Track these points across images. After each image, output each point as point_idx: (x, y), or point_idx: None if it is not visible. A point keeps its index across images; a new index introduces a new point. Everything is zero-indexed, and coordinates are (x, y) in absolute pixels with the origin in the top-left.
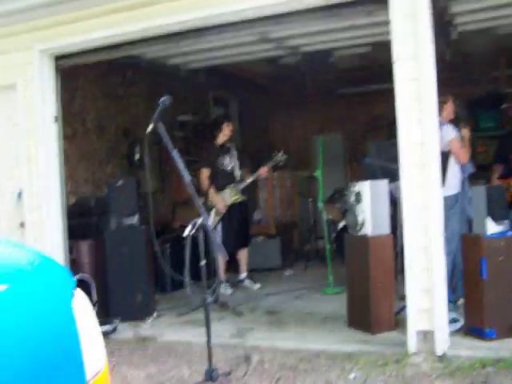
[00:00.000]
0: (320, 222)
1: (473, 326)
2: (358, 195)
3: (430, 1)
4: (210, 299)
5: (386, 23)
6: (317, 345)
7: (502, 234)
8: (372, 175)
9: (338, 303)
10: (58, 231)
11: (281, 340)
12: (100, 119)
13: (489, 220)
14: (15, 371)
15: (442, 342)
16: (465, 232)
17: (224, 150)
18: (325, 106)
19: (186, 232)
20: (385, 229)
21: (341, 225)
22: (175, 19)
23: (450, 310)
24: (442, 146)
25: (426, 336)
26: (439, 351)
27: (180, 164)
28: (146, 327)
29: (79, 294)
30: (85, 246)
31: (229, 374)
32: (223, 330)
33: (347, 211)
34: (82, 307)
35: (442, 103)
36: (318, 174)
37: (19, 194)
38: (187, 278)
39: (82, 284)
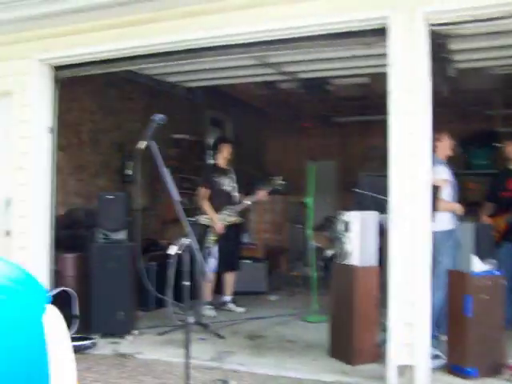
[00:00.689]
0: (309, 248)
1: (455, 364)
2: (347, 224)
3: (428, 36)
4: (191, 320)
5: (385, 55)
6: (296, 373)
7: (488, 272)
8: (362, 206)
9: (321, 332)
10: (45, 242)
11: (260, 366)
12: (95, 132)
13: (475, 258)
14: None
15: (423, 377)
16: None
17: (222, 171)
18: (321, 132)
19: (172, 250)
20: (372, 260)
21: (329, 253)
22: (172, 39)
23: (433, 345)
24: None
25: (407, 371)
26: None
27: (169, 183)
28: (126, 344)
29: (52, 309)
30: (70, 259)
31: None
32: (203, 351)
33: (335, 240)
34: (54, 323)
35: (436, 140)
36: (308, 200)
37: (7, 202)
38: (169, 298)
39: (66, 297)
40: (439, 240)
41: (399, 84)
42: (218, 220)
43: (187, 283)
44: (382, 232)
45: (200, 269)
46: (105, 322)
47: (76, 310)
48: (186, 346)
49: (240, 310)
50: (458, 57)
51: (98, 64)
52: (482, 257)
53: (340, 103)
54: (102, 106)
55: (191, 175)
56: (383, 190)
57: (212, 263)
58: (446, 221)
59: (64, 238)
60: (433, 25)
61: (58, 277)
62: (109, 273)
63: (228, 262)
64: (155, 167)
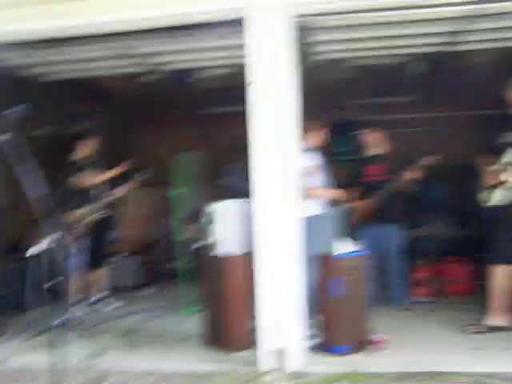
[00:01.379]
0: (179, 241)
1: (326, 343)
2: (212, 215)
3: (287, 27)
4: (60, 321)
5: (243, 46)
6: (172, 365)
7: (352, 253)
8: (229, 196)
9: (195, 323)
10: None
11: (135, 362)
12: None
13: (340, 240)
14: None
15: (295, 359)
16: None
17: (88, 165)
18: (187, 125)
19: (33, 251)
20: (238, 249)
21: (198, 245)
22: (26, 26)
23: (306, 327)
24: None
25: (279, 354)
26: (291, 369)
27: (27, 180)
28: None
29: None
30: None
31: None
32: (74, 353)
33: (203, 231)
34: None
35: (306, 129)
36: (175, 193)
37: None
38: (35, 301)
39: None
40: (309, 225)
41: (259, 75)
42: (83, 214)
43: (51, 284)
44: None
45: (64, 268)
46: None
47: None
48: (54, 349)
49: (111, 306)
50: (320, 48)
51: None
52: (345, 239)
53: (205, 95)
54: None
55: (56, 171)
56: (249, 179)
57: (78, 261)
58: (315, 207)
59: None
60: (294, 16)
61: None
62: None
63: (94, 259)
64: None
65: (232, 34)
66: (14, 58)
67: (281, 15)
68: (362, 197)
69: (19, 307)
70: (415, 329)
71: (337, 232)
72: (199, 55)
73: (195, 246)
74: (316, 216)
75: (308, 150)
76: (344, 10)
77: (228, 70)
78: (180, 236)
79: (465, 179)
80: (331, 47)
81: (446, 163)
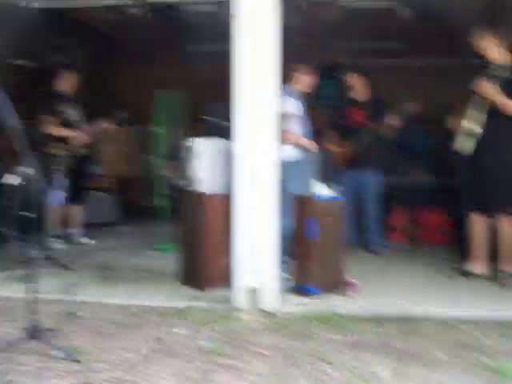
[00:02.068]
0: (159, 178)
1: (300, 284)
2: (194, 152)
3: None
4: (37, 253)
5: None
6: (148, 301)
7: (331, 196)
8: (211, 133)
9: (172, 260)
10: None
11: (112, 296)
12: None
13: (318, 183)
14: None
15: (271, 299)
16: None
17: (68, 100)
18: (171, 62)
19: (11, 180)
20: (220, 187)
21: (179, 182)
22: None
23: (282, 269)
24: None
25: (255, 293)
26: (267, 308)
27: (3, 109)
28: None
29: None
30: None
31: (53, 330)
32: (51, 285)
33: (184, 168)
34: None
35: (293, 70)
36: (156, 130)
37: None
38: (11, 231)
39: None
40: (286, 168)
41: (243, 8)
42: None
43: (30, 215)
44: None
45: (43, 200)
46: None
47: None
48: (30, 279)
49: (90, 242)
50: None
51: None
52: (325, 182)
53: (189, 31)
54: None
55: (35, 103)
56: (231, 117)
57: (58, 195)
58: (292, 150)
59: None
60: None
61: None
62: None
63: (73, 194)
64: None
65: None
66: None
67: None
68: (342, 140)
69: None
70: (390, 273)
71: (315, 176)
72: None
73: (177, 182)
74: (294, 159)
75: (291, 93)
76: None
77: (214, 8)
78: (159, 173)
79: (445, 128)
80: None
81: (428, 111)
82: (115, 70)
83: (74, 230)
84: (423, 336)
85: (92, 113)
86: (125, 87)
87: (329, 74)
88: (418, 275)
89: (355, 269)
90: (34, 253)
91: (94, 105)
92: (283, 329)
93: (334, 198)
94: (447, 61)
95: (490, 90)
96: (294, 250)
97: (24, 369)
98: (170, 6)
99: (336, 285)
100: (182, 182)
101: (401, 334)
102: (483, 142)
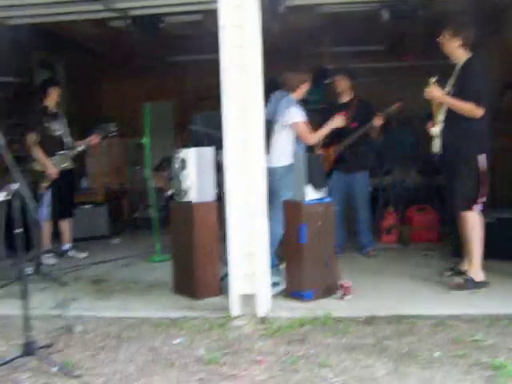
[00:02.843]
0: (149, 189)
1: (293, 289)
2: (183, 162)
3: None
4: (29, 269)
5: None
6: (142, 313)
7: (319, 200)
8: (198, 143)
9: (164, 271)
10: None
11: (105, 309)
12: None
13: (308, 187)
14: None
15: (264, 305)
16: None
17: (52, 115)
18: (157, 73)
19: None
20: (209, 195)
21: (169, 193)
22: None
23: (272, 274)
24: (284, 123)
25: (249, 300)
26: (261, 314)
27: None
28: None
29: None
30: None
31: (49, 346)
32: (45, 301)
33: (174, 178)
34: None
35: (300, 82)
36: (145, 141)
37: None
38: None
39: None
40: (280, 175)
41: (229, 20)
42: (51, 165)
43: (18, 231)
44: (220, 169)
45: (32, 216)
46: None
47: None
48: (24, 296)
49: (82, 255)
50: None
51: None
52: (315, 186)
53: (174, 42)
54: None
55: (19, 120)
56: (218, 126)
57: (45, 211)
58: (286, 156)
59: None
60: None
61: None
62: None
63: (62, 208)
64: None
65: None
66: None
67: None
68: (330, 144)
69: None
70: (381, 274)
71: (305, 180)
72: (167, 0)
73: (167, 193)
74: (284, 165)
75: (297, 102)
76: None
77: (198, 17)
78: (151, 184)
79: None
80: None
81: (413, 112)
82: (102, 83)
83: (65, 245)
84: (418, 335)
85: (79, 127)
86: (112, 100)
87: (314, 79)
88: (409, 275)
89: (347, 271)
90: (27, 269)
91: (81, 118)
92: (279, 334)
93: (322, 200)
94: (433, 62)
95: (436, 93)
96: (286, 255)
97: None
98: (153, 16)
99: (329, 288)
100: (172, 193)
101: (396, 334)
102: (445, 143)
